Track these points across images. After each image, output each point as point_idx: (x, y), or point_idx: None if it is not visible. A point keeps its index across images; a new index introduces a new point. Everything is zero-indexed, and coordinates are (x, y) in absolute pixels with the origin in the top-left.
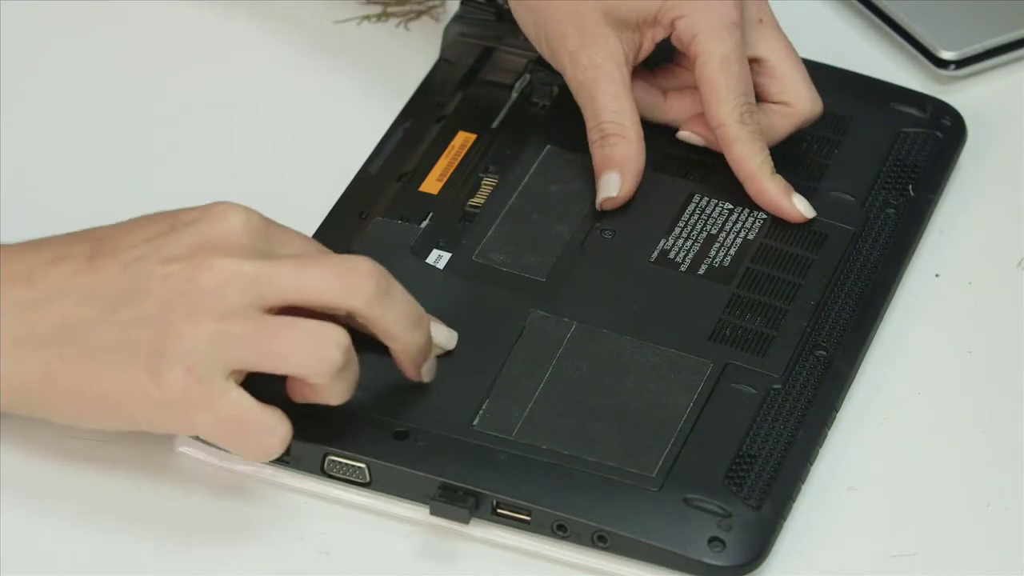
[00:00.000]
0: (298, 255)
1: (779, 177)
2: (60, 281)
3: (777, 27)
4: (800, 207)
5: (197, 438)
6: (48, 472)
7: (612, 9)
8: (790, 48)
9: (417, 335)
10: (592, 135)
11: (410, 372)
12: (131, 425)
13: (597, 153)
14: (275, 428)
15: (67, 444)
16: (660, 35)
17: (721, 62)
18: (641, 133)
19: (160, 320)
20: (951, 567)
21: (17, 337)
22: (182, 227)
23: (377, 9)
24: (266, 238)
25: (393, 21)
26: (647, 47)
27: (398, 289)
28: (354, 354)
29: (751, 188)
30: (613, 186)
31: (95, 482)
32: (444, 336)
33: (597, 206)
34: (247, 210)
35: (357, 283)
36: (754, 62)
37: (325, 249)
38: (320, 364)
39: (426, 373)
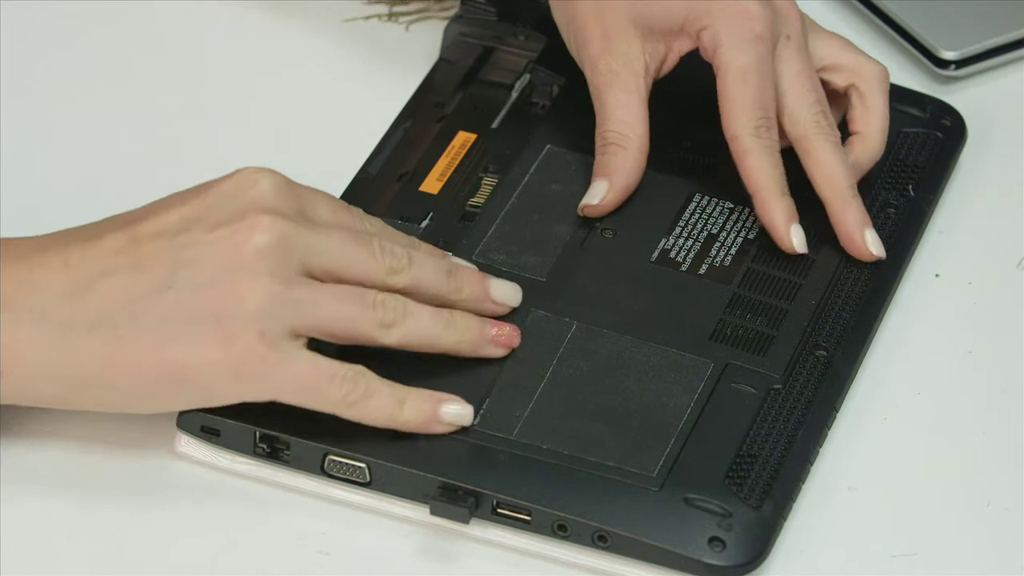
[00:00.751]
0: (334, 224)
1: (788, 199)
2: (102, 261)
3: (800, 47)
4: (795, 239)
5: (208, 433)
6: (49, 472)
7: (639, 16)
8: (800, 72)
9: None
10: (597, 141)
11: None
12: (205, 399)
13: (596, 160)
14: (357, 378)
15: (68, 444)
16: (686, 46)
17: (739, 74)
18: (644, 147)
19: (221, 286)
20: (951, 567)
21: (65, 323)
22: (217, 196)
23: (383, 9)
24: (297, 198)
25: (394, 20)
26: (672, 59)
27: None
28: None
29: (757, 202)
30: (597, 194)
31: (95, 482)
32: (510, 291)
33: (578, 211)
34: (272, 172)
35: (391, 263)
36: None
37: (350, 210)
38: (369, 326)
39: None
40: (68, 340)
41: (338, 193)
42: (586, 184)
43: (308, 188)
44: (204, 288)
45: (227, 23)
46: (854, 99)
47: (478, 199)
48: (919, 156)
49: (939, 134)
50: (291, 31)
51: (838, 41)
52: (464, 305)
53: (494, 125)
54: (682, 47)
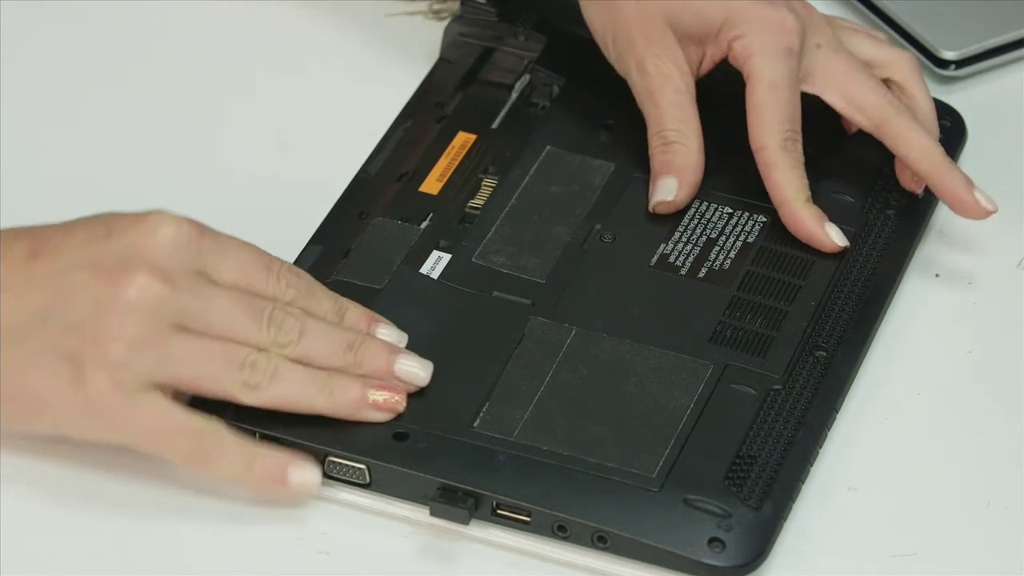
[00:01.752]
0: (233, 286)
1: (814, 206)
2: None
3: (837, 49)
4: (833, 236)
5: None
6: (49, 472)
7: (677, 20)
8: (850, 68)
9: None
10: (653, 141)
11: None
12: (56, 431)
13: (658, 158)
14: (207, 433)
15: (71, 444)
16: (719, 54)
17: (770, 86)
18: (702, 145)
19: (88, 330)
20: (951, 567)
21: None
22: (116, 235)
23: (423, 6)
24: (199, 253)
25: (392, 21)
26: (706, 65)
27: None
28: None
29: (785, 214)
30: (670, 190)
31: (95, 482)
32: (419, 370)
33: (651, 208)
34: (179, 222)
35: (275, 336)
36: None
37: (268, 268)
38: (231, 386)
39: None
40: None
41: (337, 193)
42: (587, 185)
43: (224, 242)
44: (73, 328)
45: (226, 24)
46: (895, 92)
47: (478, 200)
48: None
49: (939, 134)
50: (291, 32)
51: (862, 36)
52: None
53: (494, 126)
54: (715, 53)
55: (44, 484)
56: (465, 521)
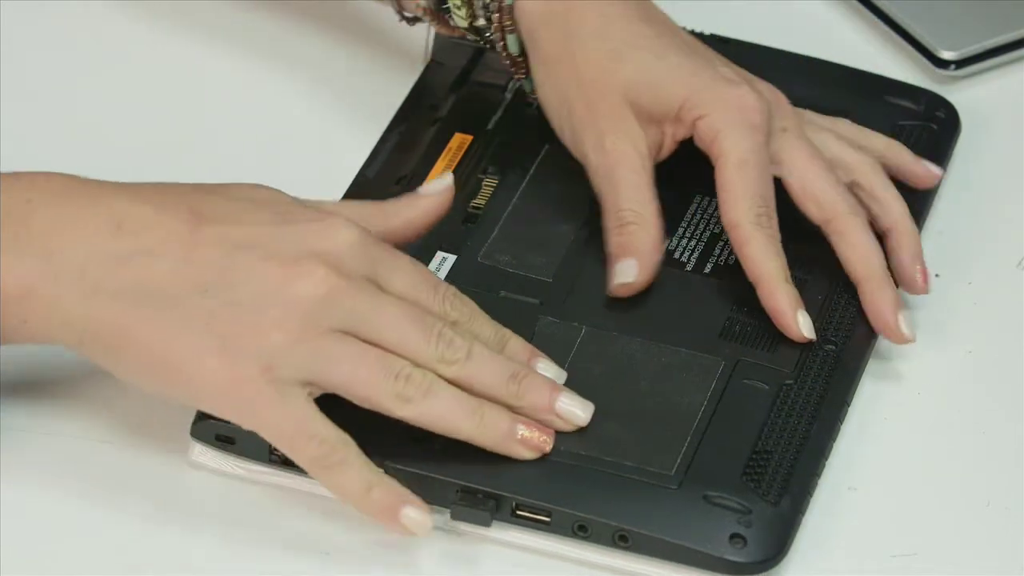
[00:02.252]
0: (403, 297)
1: (792, 287)
2: (153, 242)
3: (801, 136)
4: (803, 326)
5: (222, 441)
6: (51, 472)
7: (636, 101)
8: (812, 156)
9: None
10: (610, 222)
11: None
12: (193, 402)
13: (614, 240)
14: (339, 446)
15: (70, 444)
16: (681, 133)
17: (739, 163)
18: (660, 225)
19: (250, 314)
20: (951, 567)
21: (97, 284)
22: (291, 225)
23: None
24: (372, 261)
25: (382, 24)
26: (668, 145)
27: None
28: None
29: (762, 291)
30: (629, 273)
31: (96, 482)
32: (579, 410)
33: (609, 292)
34: (359, 228)
35: (443, 352)
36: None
37: (435, 288)
38: (384, 395)
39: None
40: (94, 299)
41: (336, 197)
42: (587, 185)
43: (397, 255)
44: (234, 308)
45: (223, 27)
46: (863, 197)
47: (479, 200)
48: (915, 149)
49: (933, 126)
50: (282, 38)
51: (827, 134)
52: (522, 411)
53: (490, 126)
54: (677, 133)
55: (46, 485)
56: (487, 523)
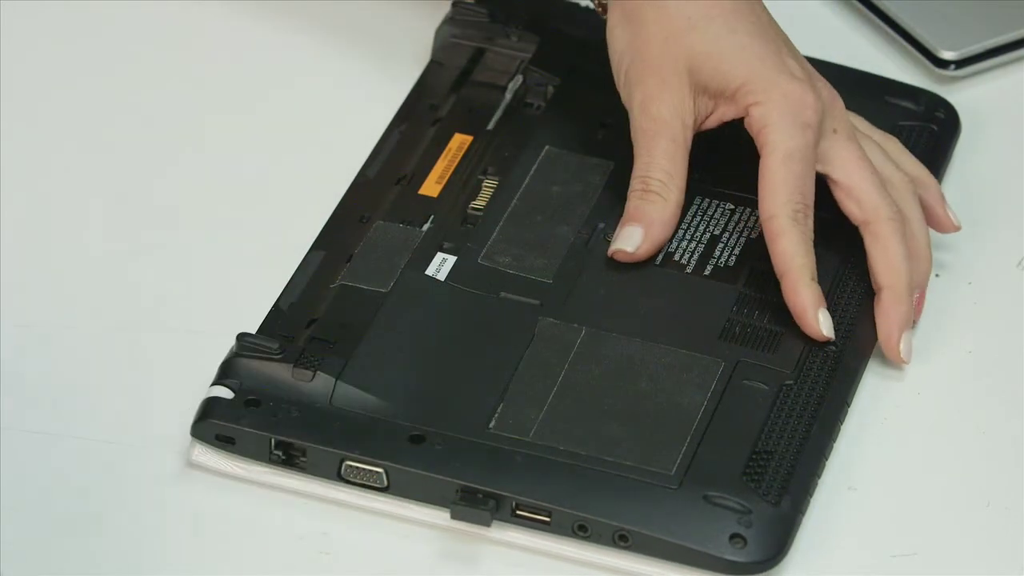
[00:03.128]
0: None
1: (817, 286)
2: None
3: (851, 138)
4: (824, 325)
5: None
6: (51, 472)
7: (696, 70)
8: (861, 159)
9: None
10: (635, 184)
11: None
12: None
13: (632, 204)
14: None
15: (70, 444)
16: (731, 114)
17: (785, 156)
18: (681, 203)
19: None
20: (951, 567)
21: None
22: None
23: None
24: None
25: (382, 24)
26: (713, 120)
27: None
28: None
29: (786, 285)
30: (633, 240)
31: (96, 482)
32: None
33: (609, 253)
34: None
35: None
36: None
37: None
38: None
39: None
40: None
41: (335, 197)
42: (588, 184)
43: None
44: None
45: (223, 27)
46: (867, 241)
47: (479, 201)
48: (915, 149)
49: (933, 127)
50: (282, 37)
51: (872, 144)
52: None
53: (490, 127)
54: (726, 113)
55: (47, 485)
56: (487, 523)
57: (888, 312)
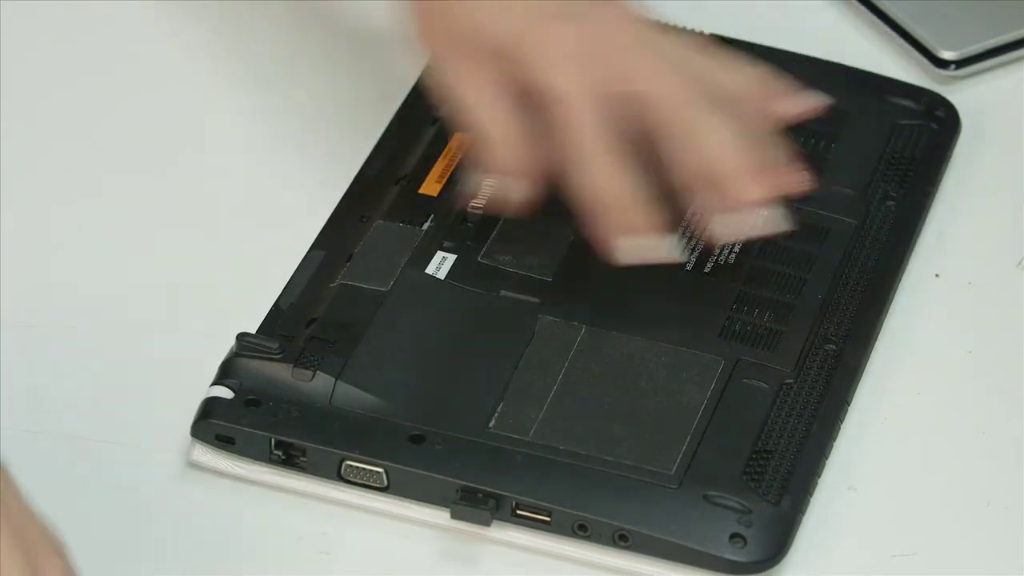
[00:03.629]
0: None
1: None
2: None
3: None
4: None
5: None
6: (51, 472)
7: None
8: None
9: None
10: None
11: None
12: None
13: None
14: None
15: (71, 444)
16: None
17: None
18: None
19: None
20: (951, 567)
21: None
22: None
23: None
24: None
25: (381, 23)
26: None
27: None
28: None
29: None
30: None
31: (96, 482)
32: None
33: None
34: None
35: None
36: None
37: None
38: None
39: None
40: None
41: (335, 197)
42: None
43: None
44: None
45: (223, 26)
46: None
47: (479, 201)
48: (916, 148)
49: (934, 125)
50: (283, 37)
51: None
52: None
53: None
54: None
55: (47, 486)
56: (487, 523)
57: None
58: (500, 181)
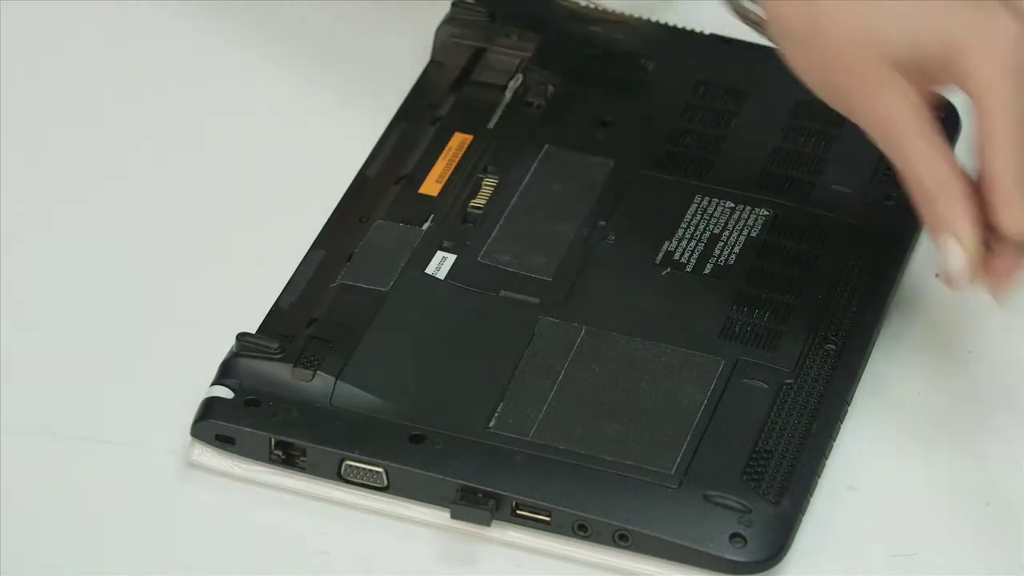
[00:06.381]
0: None
1: None
2: None
3: None
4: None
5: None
6: (51, 472)
7: (897, 57)
8: None
9: None
10: (915, 198)
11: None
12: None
13: (927, 220)
14: None
15: (70, 444)
16: (948, 79)
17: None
18: (965, 182)
19: None
20: (951, 567)
21: None
22: None
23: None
24: None
25: (382, 23)
26: (940, 94)
27: None
28: None
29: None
30: (953, 258)
31: (96, 482)
32: None
33: (937, 276)
34: None
35: None
36: None
37: None
38: None
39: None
40: None
41: (335, 197)
42: (587, 183)
43: None
44: None
45: (223, 26)
46: None
47: (479, 200)
48: None
49: None
50: (283, 37)
51: None
52: None
53: (490, 126)
54: (946, 80)
55: (47, 485)
56: (487, 523)
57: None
58: (943, 241)
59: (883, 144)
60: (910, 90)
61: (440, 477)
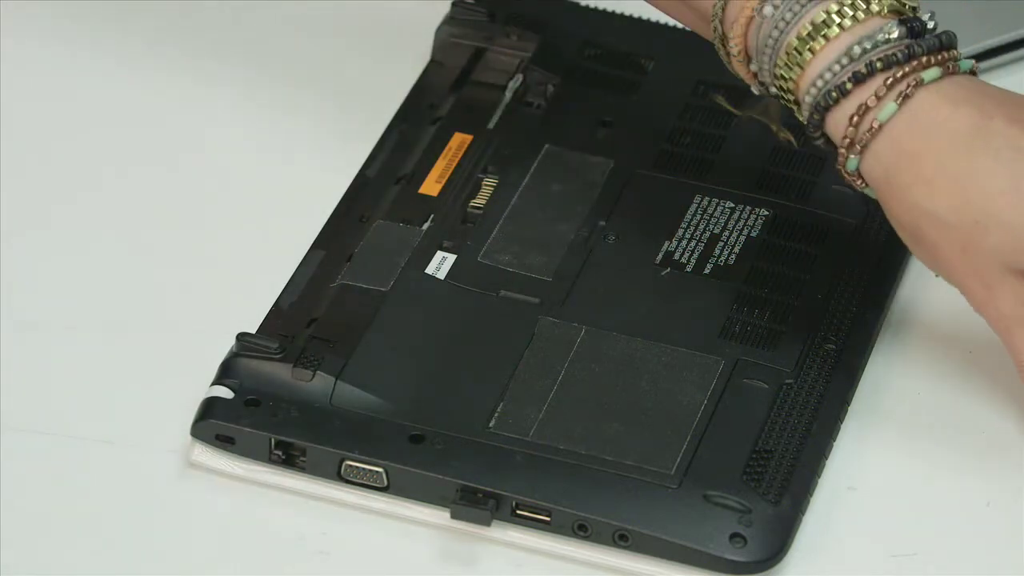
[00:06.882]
0: None
1: None
2: None
3: None
4: None
5: (223, 441)
6: (51, 472)
7: (1010, 263)
8: None
9: None
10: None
11: None
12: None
13: None
14: None
15: (70, 444)
16: None
17: None
18: None
19: None
20: (951, 567)
21: None
22: None
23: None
24: None
25: (381, 24)
26: None
27: None
28: None
29: None
30: None
31: (96, 482)
32: None
33: None
34: None
35: None
36: None
37: None
38: None
39: None
40: None
41: (335, 198)
42: (587, 183)
43: None
44: None
45: (223, 27)
46: None
47: (479, 200)
48: None
49: None
50: (283, 36)
51: None
52: None
53: (490, 126)
54: None
55: (47, 486)
56: (487, 522)
57: None
58: None
59: (992, 326)
60: (1021, 289)
61: (440, 477)
